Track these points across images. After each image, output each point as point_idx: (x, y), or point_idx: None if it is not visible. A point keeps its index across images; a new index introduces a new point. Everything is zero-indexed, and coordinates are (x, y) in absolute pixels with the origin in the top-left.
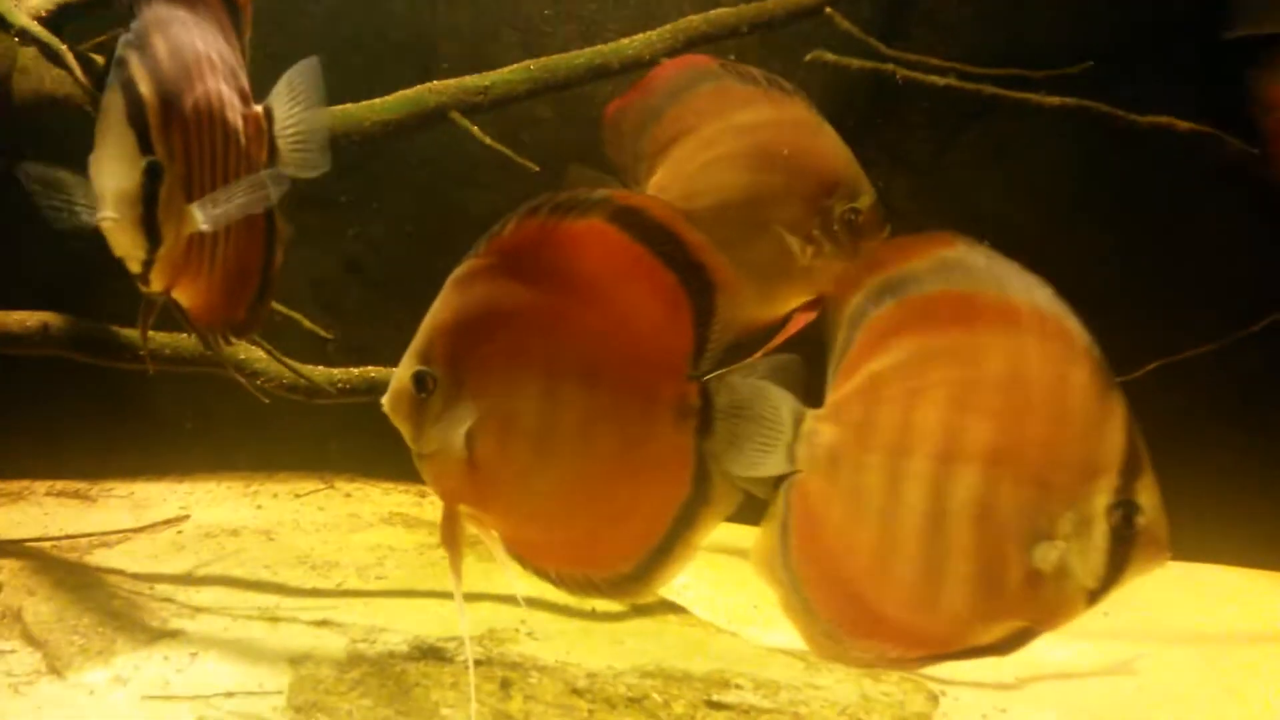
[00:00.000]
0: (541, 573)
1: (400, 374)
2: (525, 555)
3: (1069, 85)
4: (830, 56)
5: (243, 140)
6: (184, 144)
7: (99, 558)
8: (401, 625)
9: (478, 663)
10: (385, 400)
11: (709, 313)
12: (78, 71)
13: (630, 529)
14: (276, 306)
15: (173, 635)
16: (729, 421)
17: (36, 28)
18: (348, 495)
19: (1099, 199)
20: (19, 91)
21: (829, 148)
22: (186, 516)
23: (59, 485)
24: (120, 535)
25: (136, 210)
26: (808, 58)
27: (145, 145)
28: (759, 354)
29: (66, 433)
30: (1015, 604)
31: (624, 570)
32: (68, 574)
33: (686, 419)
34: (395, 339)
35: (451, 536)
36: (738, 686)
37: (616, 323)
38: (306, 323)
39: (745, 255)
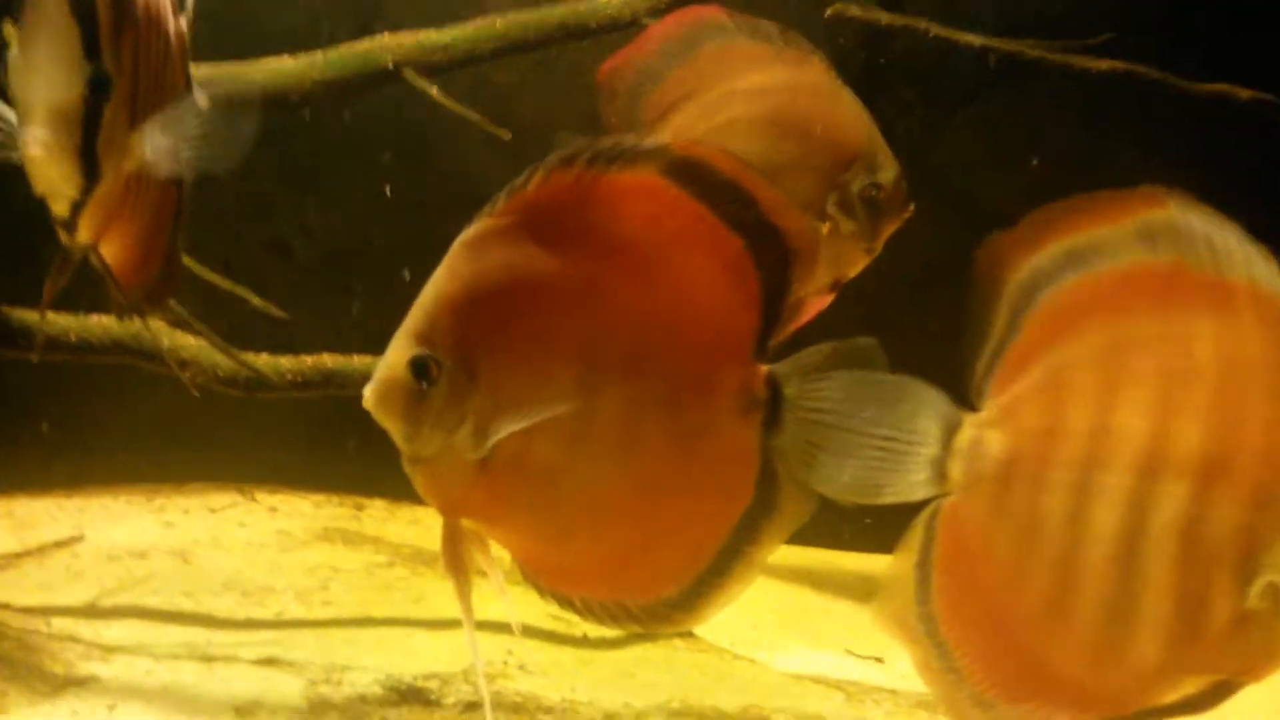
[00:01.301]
0: (564, 600)
1: (392, 359)
2: (544, 579)
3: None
4: (856, 10)
5: (177, 60)
6: (133, 55)
7: None
8: (366, 661)
9: (469, 706)
10: (370, 391)
11: (781, 286)
12: None
13: (678, 545)
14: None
15: (81, 684)
16: (804, 416)
17: None
18: (272, 510)
19: (1099, 182)
20: None
21: (849, 116)
22: (80, 537)
23: None
24: (1, 560)
25: (74, 134)
26: (829, 11)
27: (91, 49)
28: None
29: None
30: (1219, 651)
31: (668, 595)
32: None
33: (751, 413)
34: (327, 332)
35: (456, 559)
36: None
37: (668, 297)
38: (255, 299)
39: None
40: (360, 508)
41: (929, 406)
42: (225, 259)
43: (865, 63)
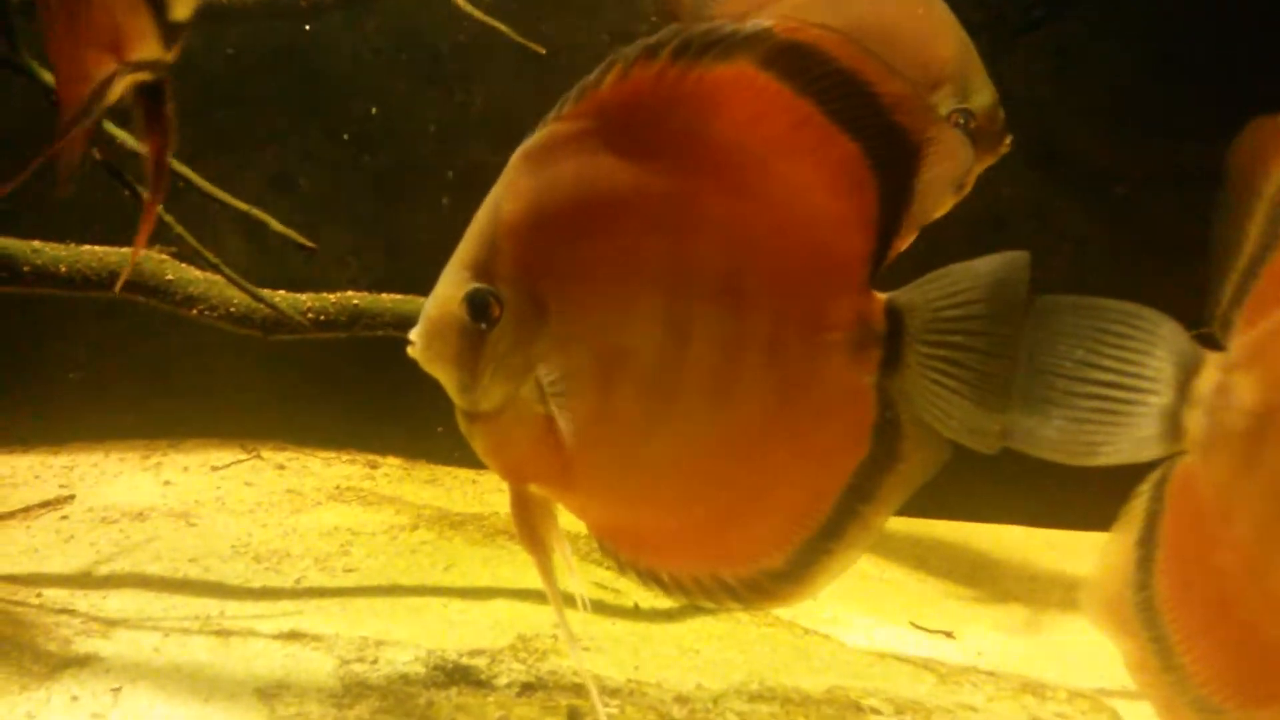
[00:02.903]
0: (649, 575)
1: (444, 295)
2: (626, 551)
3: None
4: None
5: None
6: None
7: None
8: (401, 635)
9: (526, 687)
10: (418, 335)
11: (902, 196)
12: None
13: (782, 507)
14: (230, 200)
15: (81, 663)
16: (931, 349)
17: None
18: (280, 467)
19: (1171, 112)
20: None
21: (940, 31)
22: (71, 496)
23: None
24: None
25: None
26: None
27: None
28: None
29: None
30: None
31: (772, 565)
32: None
33: (866, 350)
34: (335, 273)
35: (532, 532)
36: (875, 711)
37: (768, 214)
38: (275, 224)
39: None
40: (374, 465)
41: (1162, 343)
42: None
43: None
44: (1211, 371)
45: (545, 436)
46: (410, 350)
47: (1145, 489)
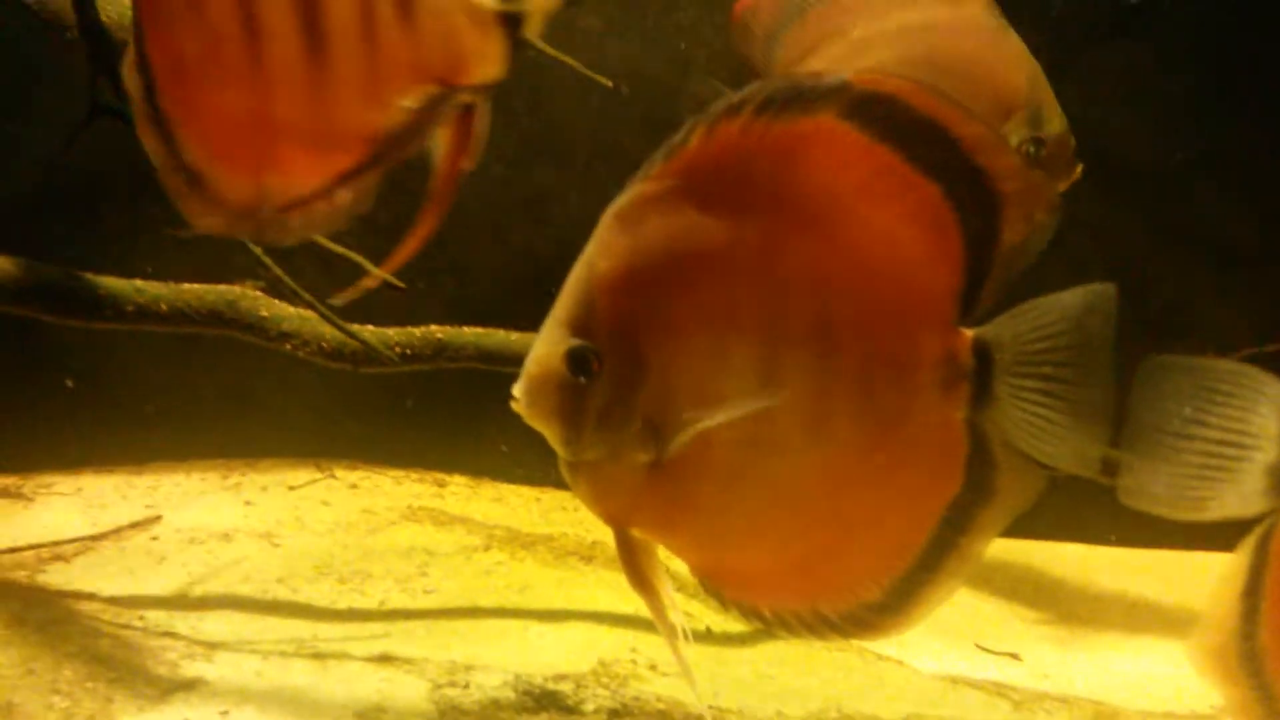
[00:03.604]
0: (751, 611)
1: (544, 353)
2: (728, 589)
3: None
4: None
5: None
6: None
7: (57, 576)
8: (488, 659)
9: (612, 714)
10: (521, 391)
11: (988, 236)
12: None
13: (879, 541)
14: (322, 242)
15: (189, 686)
16: (1021, 382)
17: None
18: (353, 486)
19: (1236, 134)
20: None
21: (1011, 60)
22: (158, 517)
23: None
24: (77, 545)
25: None
26: None
27: None
28: None
29: None
30: None
31: (870, 599)
32: (24, 604)
33: (957, 385)
34: (421, 297)
35: (640, 576)
36: None
37: (856, 259)
38: (372, 268)
39: None
40: (442, 484)
41: (1267, 401)
42: None
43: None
44: None
45: (646, 484)
46: (514, 405)
47: (1250, 542)
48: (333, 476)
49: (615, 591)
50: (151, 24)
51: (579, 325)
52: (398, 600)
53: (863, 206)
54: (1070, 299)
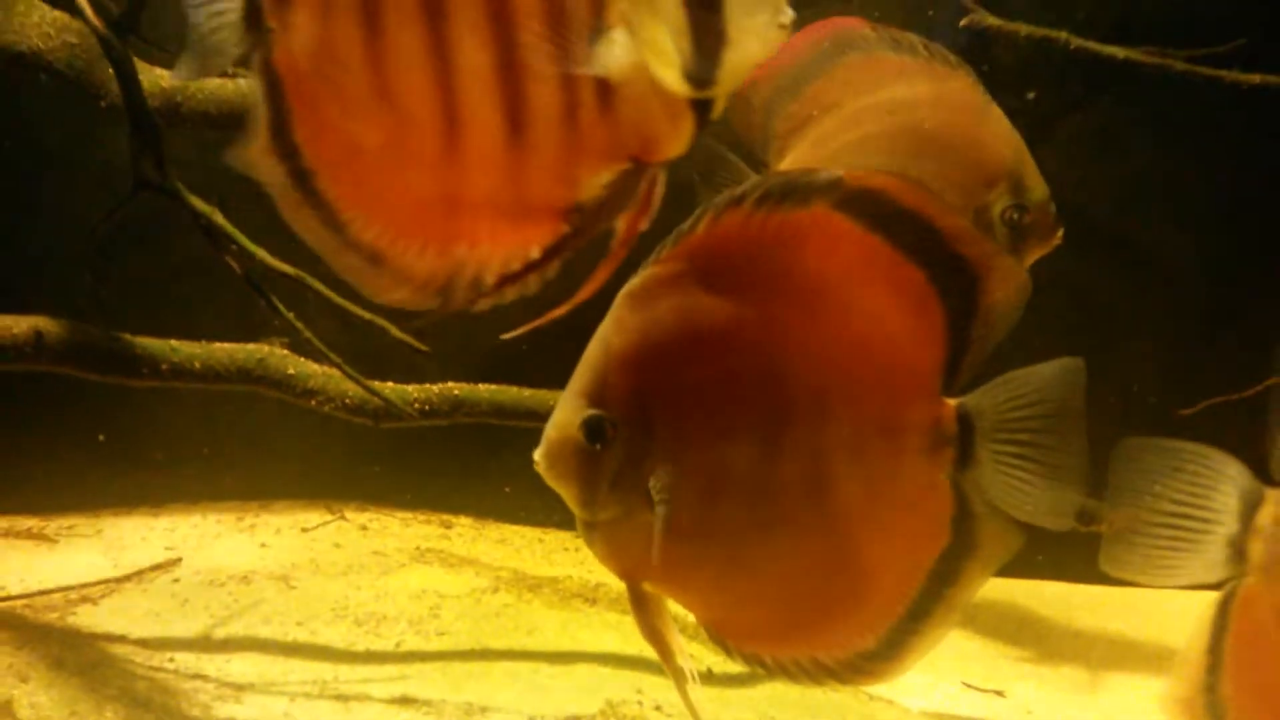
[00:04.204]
0: (754, 659)
1: (562, 420)
2: (733, 639)
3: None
4: (994, 20)
5: None
6: None
7: (86, 619)
8: (501, 700)
9: None
10: (541, 455)
11: (967, 314)
12: (89, 12)
13: (873, 595)
14: (350, 310)
15: None
16: (1001, 446)
17: None
18: (363, 528)
19: (1205, 197)
20: None
21: (995, 133)
22: (178, 559)
23: (5, 523)
24: (103, 586)
25: None
26: (964, 22)
27: None
28: None
29: (9, 458)
30: None
31: (866, 647)
32: (62, 647)
33: (942, 450)
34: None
35: (653, 630)
36: None
37: (848, 337)
38: (395, 330)
39: None
40: (448, 525)
41: (1228, 480)
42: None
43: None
44: (1272, 506)
45: (657, 541)
46: (536, 467)
47: (1214, 605)
48: (343, 518)
49: (619, 633)
50: (306, 110)
51: (594, 396)
52: (412, 643)
53: (855, 289)
54: (1044, 371)
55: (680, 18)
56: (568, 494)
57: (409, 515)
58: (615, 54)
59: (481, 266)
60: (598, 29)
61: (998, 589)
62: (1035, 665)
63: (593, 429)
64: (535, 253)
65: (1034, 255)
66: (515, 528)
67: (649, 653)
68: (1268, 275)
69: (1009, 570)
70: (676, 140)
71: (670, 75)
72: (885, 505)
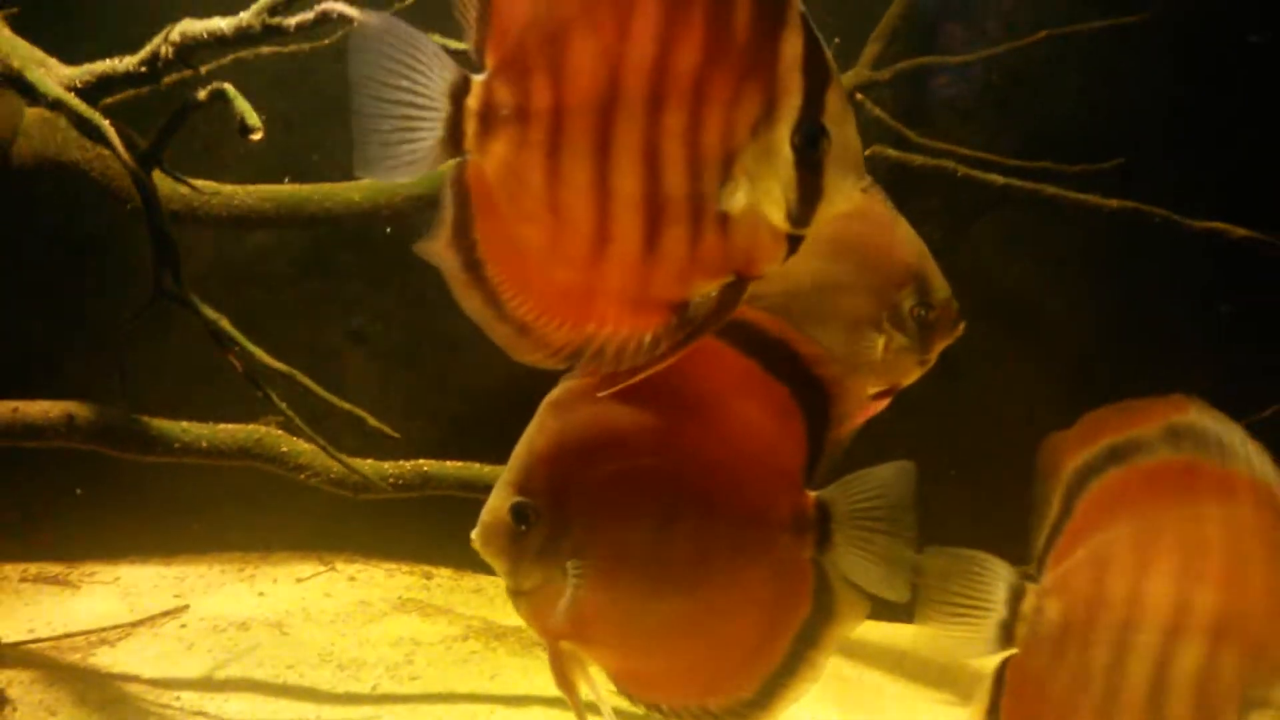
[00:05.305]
0: (653, 706)
1: (495, 506)
2: (634, 689)
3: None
4: (893, 153)
5: None
6: None
7: (105, 659)
8: None
9: None
10: (476, 535)
11: (823, 424)
12: (120, 148)
13: (750, 653)
14: (334, 400)
15: None
16: (851, 532)
17: (73, 100)
18: (351, 579)
19: (1115, 284)
20: (19, 155)
21: (901, 242)
22: (186, 607)
23: (33, 569)
24: (120, 630)
25: None
26: (867, 151)
27: None
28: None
29: (37, 509)
30: None
31: (745, 696)
32: (84, 685)
33: (804, 534)
34: (401, 413)
35: (565, 679)
36: None
37: (728, 441)
38: (371, 420)
39: None
40: (429, 576)
41: (1006, 580)
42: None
43: (891, 175)
44: (1032, 597)
45: (570, 607)
46: (472, 544)
47: (991, 674)
48: (333, 569)
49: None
50: (486, 215)
51: (521, 486)
52: (387, 686)
53: (734, 403)
54: (883, 471)
55: (791, 176)
56: (498, 566)
57: (394, 566)
58: (737, 197)
59: (605, 343)
60: (727, 176)
61: (924, 633)
62: (955, 707)
63: (519, 513)
64: (648, 339)
65: (942, 343)
66: (491, 578)
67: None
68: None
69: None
70: (772, 263)
71: (777, 217)
72: (758, 579)
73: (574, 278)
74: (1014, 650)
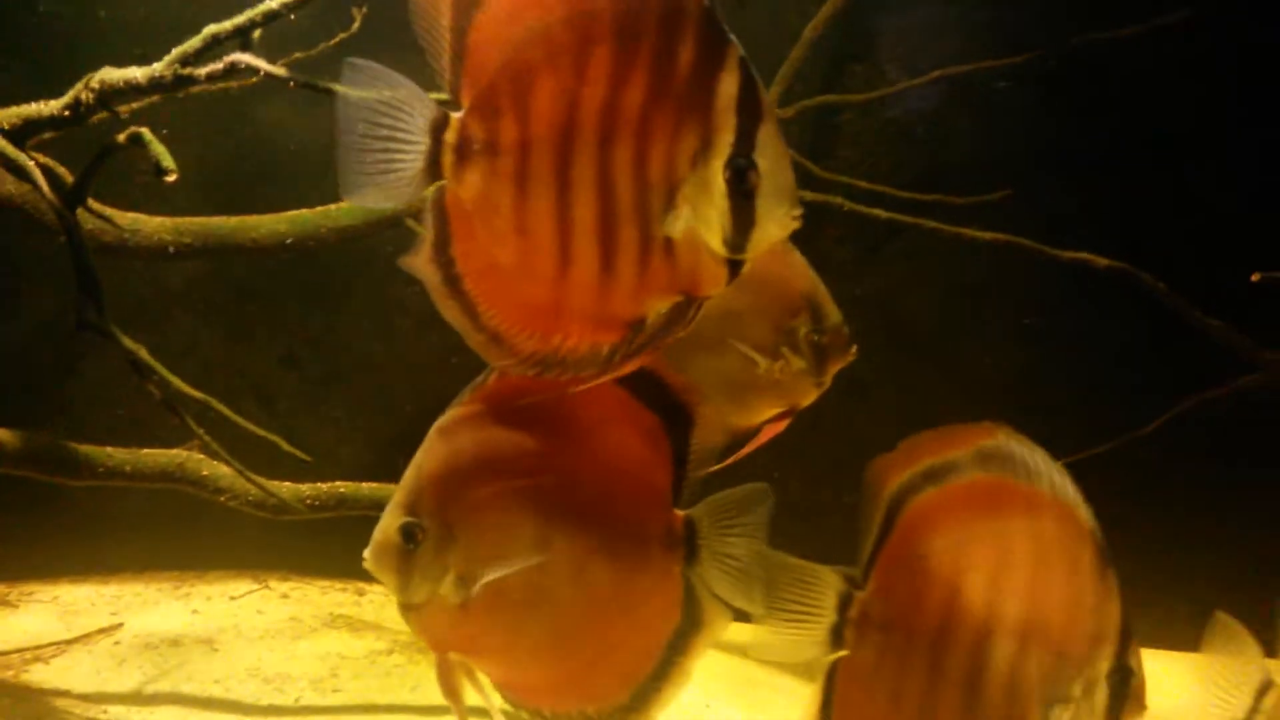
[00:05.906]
0: (535, 713)
1: (385, 526)
2: (518, 696)
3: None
4: (809, 195)
5: None
6: None
7: (37, 676)
8: None
9: None
10: (368, 554)
11: (687, 449)
12: (44, 187)
13: (624, 661)
14: (249, 426)
15: None
16: (716, 547)
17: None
18: (284, 596)
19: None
20: None
21: (795, 272)
22: (120, 624)
23: None
24: (54, 648)
25: None
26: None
27: None
28: (730, 460)
29: None
30: None
31: (620, 701)
32: (12, 700)
33: (673, 550)
34: (333, 435)
35: (451, 688)
36: None
37: (603, 463)
38: (285, 445)
39: (718, 370)
40: (361, 593)
41: (836, 589)
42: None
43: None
44: (858, 605)
45: (457, 620)
46: (364, 564)
47: (825, 675)
48: (267, 587)
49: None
50: (462, 235)
51: (410, 507)
52: (310, 698)
53: (608, 427)
54: (740, 493)
55: (725, 205)
56: (389, 583)
57: (328, 583)
58: (680, 224)
59: (568, 353)
60: (670, 205)
61: None
62: None
63: (407, 533)
64: (605, 350)
65: (836, 366)
66: None
67: (507, 706)
68: (1068, 370)
69: None
70: (715, 285)
71: (715, 242)
72: (631, 592)
73: (541, 294)
74: (844, 652)
